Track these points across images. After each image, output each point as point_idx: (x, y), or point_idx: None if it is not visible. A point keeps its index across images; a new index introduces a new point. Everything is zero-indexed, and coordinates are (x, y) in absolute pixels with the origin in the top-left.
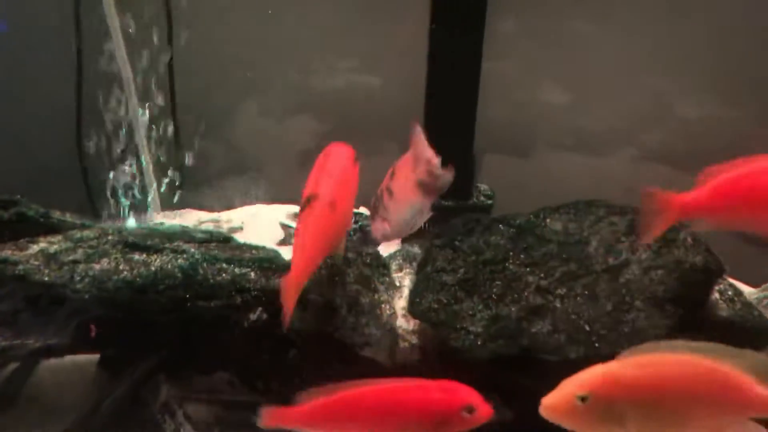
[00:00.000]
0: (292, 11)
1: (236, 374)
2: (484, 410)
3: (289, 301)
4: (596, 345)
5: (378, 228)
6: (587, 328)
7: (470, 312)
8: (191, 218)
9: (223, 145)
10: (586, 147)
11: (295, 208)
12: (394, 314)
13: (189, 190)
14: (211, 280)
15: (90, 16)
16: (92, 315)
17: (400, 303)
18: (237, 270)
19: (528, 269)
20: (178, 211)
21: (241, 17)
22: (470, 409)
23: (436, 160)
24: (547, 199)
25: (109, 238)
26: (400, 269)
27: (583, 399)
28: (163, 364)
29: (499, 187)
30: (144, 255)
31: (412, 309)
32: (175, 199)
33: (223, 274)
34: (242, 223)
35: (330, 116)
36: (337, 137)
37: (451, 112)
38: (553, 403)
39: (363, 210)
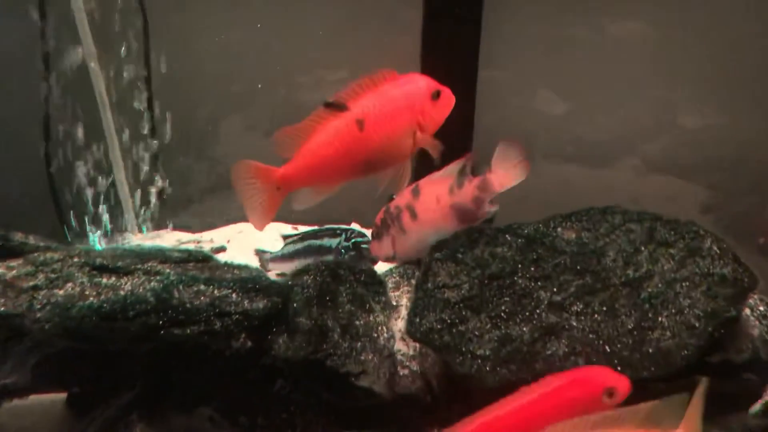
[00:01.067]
0: (278, 23)
1: (217, 409)
2: (623, 387)
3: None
4: (618, 369)
5: (383, 249)
6: (607, 349)
7: (477, 333)
8: (171, 239)
9: (206, 162)
10: (588, 157)
11: (284, 227)
12: (392, 337)
13: (169, 210)
14: (188, 304)
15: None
16: (55, 348)
17: (398, 324)
18: (216, 292)
19: (539, 283)
20: (157, 233)
21: (224, 30)
22: (611, 392)
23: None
24: (548, 212)
25: (75, 260)
26: (397, 287)
27: None
28: (136, 402)
29: (499, 199)
30: (113, 278)
31: (412, 330)
32: (152, 219)
33: (201, 297)
34: (227, 242)
35: None
36: None
37: (446, 122)
38: None
39: (355, 225)
